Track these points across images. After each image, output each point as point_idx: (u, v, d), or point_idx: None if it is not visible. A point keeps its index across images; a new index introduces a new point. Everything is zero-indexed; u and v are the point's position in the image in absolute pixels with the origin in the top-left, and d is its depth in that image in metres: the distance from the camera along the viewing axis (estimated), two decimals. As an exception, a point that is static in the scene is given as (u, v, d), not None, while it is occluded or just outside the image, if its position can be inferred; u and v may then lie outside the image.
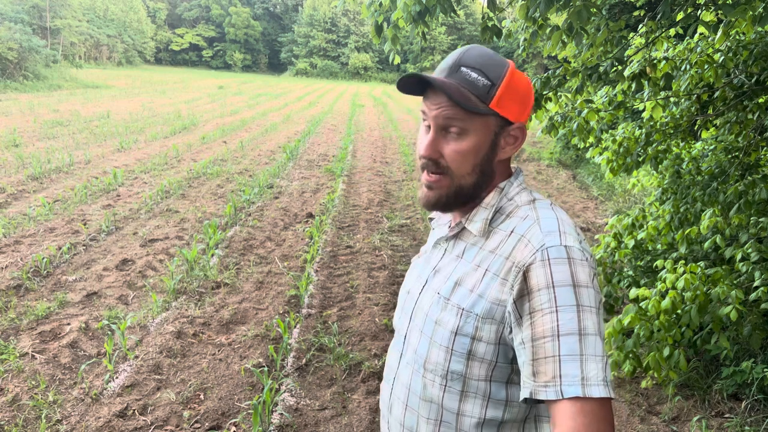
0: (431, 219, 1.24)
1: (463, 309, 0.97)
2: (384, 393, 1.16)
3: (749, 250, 3.10)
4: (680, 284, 2.82)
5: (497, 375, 0.97)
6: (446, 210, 1.07)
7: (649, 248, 4.02)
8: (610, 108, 3.94)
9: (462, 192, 1.02)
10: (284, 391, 3.17)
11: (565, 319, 0.86)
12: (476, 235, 1.03)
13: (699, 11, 3.51)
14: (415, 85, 1.00)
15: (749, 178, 3.56)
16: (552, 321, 0.86)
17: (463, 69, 0.97)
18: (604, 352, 0.86)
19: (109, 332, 3.59)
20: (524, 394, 0.88)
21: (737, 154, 4.08)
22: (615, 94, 4.02)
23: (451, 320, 0.98)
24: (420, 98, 1.04)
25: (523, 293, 0.91)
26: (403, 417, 1.08)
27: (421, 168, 1.04)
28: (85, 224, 5.72)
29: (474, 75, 0.96)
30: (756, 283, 2.91)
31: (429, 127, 1.02)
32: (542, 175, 10.70)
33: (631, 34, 4.02)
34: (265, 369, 3.26)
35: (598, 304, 0.90)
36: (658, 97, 4.00)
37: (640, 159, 4.19)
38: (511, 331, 0.93)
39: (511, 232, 0.98)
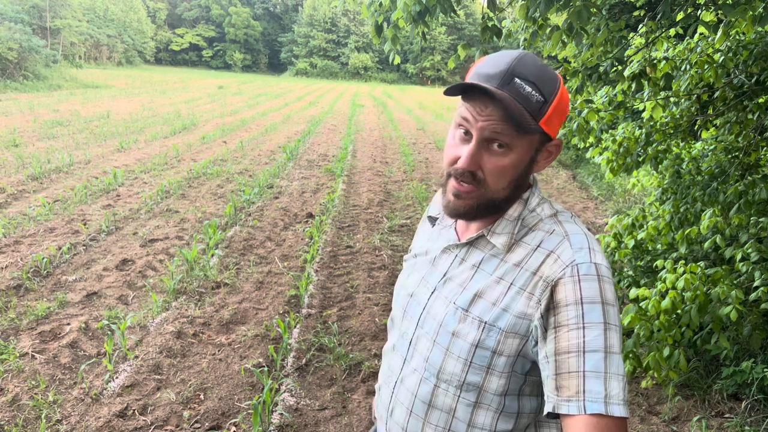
0: (433, 218, 1.19)
1: (485, 322, 0.96)
2: (383, 396, 1.15)
3: (749, 250, 3.10)
4: (680, 284, 2.82)
5: (512, 387, 0.98)
6: (471, 220, 1.03)
7: (649, 248, 4.02)
8: (610, 108, 3.94)
9: (492, 204, 0.99)
10: (284, 391, 3.17)
11: (592, 335, 0.86)
12: (499, 248, 1.00)
13: (699, 11, 3.52)
14: (460, 88, 0.94)
15: (749, 178, 3.56)
16: (579, 337, 0.87)
17: (517, 80, 0.91)
18: (624, 371, 0.87)
19: (109, 332, 3.59)
20: (548, 408, 0.89)
21: (737, 154, 4.08)
22: (615, 94, 4.01)
23: (472, 333, 0.97)
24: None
25: (550, 307, 0.91)
26: (406, 422, 1.07)
27: (450, 175, 0.99)
28: (85, 224, 5.72)
29: (528, 89, 0.91)
30: (756, 283, 2.91)
31: (466, 133, 0.96)
32: (542, 175, 10.68)
33: (631, 34, 4.02)
34: (265, 369, 3.27)
35: (620, 323, 0.91)
36: (658, 97, 3.99)
37: (640, 159, 4.19)
38: (535, 345, 0.93)
39: (538, 246, 0.97)
